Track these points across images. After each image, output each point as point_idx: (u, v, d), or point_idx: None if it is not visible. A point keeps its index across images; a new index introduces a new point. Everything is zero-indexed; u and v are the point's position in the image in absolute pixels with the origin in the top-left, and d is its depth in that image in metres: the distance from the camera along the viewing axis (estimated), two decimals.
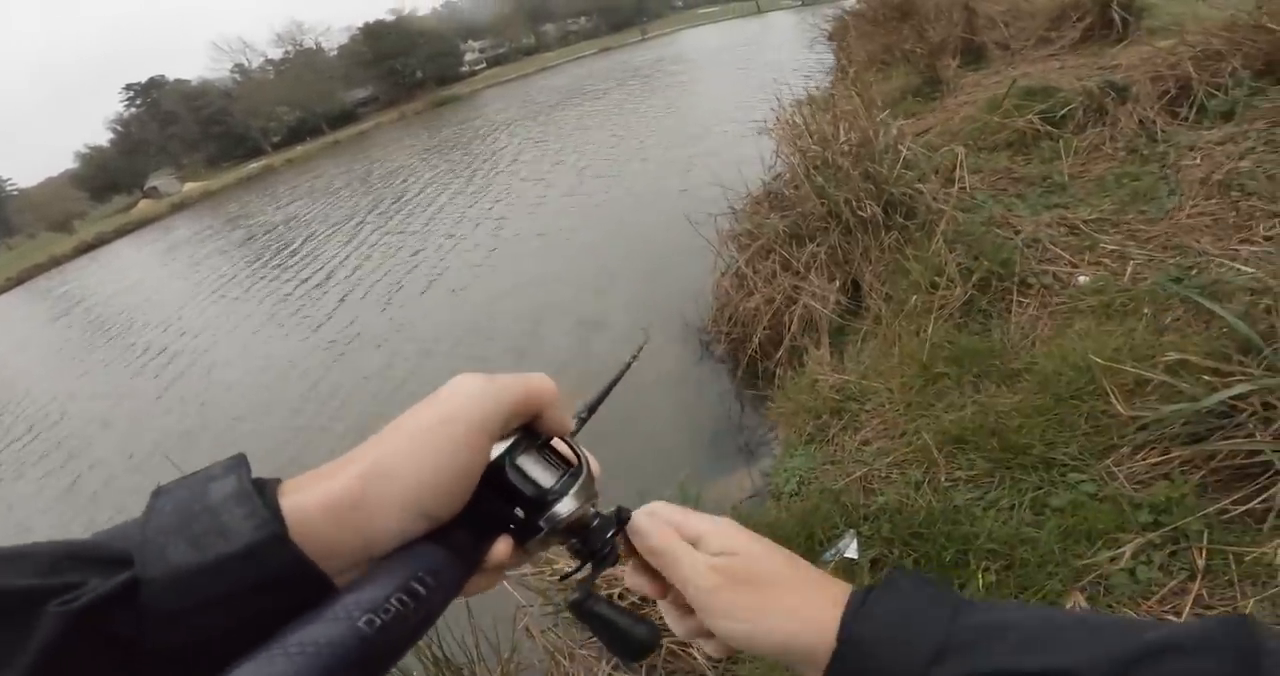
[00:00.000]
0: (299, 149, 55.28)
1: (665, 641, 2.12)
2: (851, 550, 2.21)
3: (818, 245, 3.99)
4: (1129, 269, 2.98)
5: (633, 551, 0.53)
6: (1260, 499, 1.76)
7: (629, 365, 0.59)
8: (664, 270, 6.39)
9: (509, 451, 0.43)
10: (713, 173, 5.70)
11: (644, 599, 0.55)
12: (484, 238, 10.20)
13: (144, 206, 52.18)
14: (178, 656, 0.33)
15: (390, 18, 77.79)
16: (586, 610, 0.47)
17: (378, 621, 0.34)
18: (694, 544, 0.52)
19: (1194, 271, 2.79)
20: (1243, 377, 1.90)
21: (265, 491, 0.36)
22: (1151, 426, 2.06)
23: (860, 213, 3.77)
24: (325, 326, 8.73)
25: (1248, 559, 1.67)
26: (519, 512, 0.44)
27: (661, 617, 0.55)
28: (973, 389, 2.67)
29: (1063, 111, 4.41)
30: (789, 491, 2.69)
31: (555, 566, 2.54)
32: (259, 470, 0.38)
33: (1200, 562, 1.71)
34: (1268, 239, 2.82)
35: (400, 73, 72.86)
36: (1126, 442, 2.10)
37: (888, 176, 3.79)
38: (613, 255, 7.71)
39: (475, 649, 2.27)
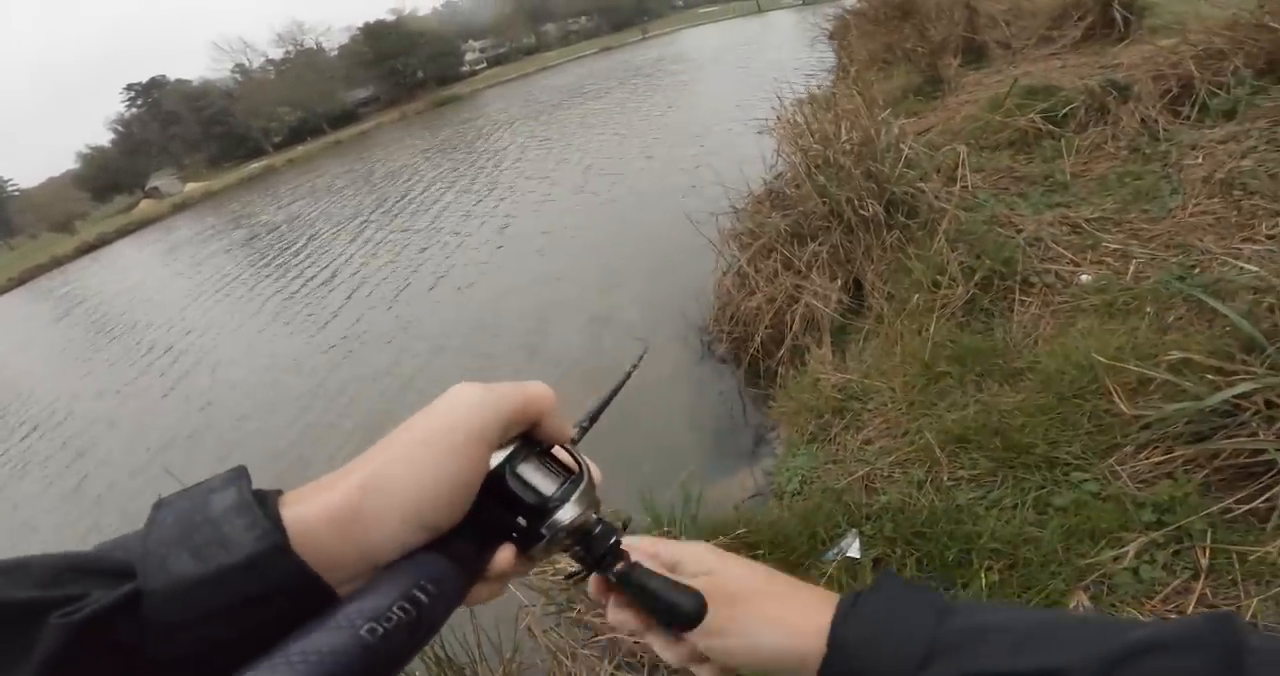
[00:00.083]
0: (300, 149, 55.33)
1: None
2: (854, 549, 2.20)
3: (819, 244, 3.98)
4: (1131, 268, 2.97)
5: (611, 588, 0.53)
6: (1264, 498, 1.75)
7: (629, 374, 0.59)
8: (667, 269, 6.39)
9: (509, 460, 0.43)
10: (714, 171, 5.70)
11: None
12: (489, 235, 10.21)
13: (145, 207, 52.25)
14: (180, 667, 0.33)
15: (391, 18, 77.98)
16: (631, 580, 0.47)
17: (380, 629, 0.34)
18: (672, 570, 0.52)
19: (1197, 270, 2.79)
20: (1246, 376, 1.90)
21: (266, 502, 0.37)
22: (1155, 425, 2.05)
23: (862, 211, 3.77)
24: (331, 324, 8.74)
25: (1251, 558, 1.67)
26: (521, 521, 0.44)
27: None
28: (975, 388, 2.67)
29: (1064, 110, 4.40)
30: (791, 490, 2.69)
31: (558, 566, 2.54)
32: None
33: (1204, 562, 1.71)
34: (1270, 237, 2.81)
35: (401, 73, 72.90)
36: (1130, 441, 2.09)
37: (889, 175, 3.79)
38: (617, 254, 7.71)
39: (477, 649, 2.27)
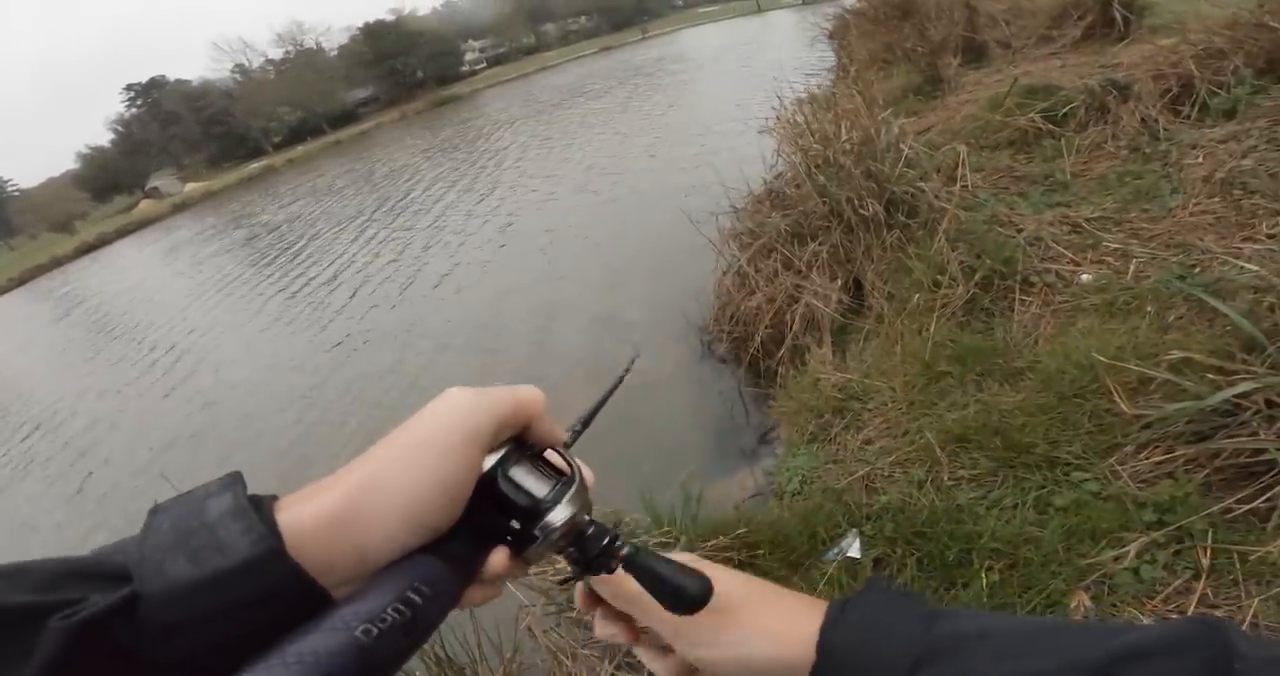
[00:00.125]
0: (300, 149, 55.29)
1: None
2: (854, 549, 2.20)
3: (819, 244, 3.98)
4: (1132, 267, 2.97)
5: (597, 601, 0.53)
6: (1264, 498, 1.75)
7: (620, 380, 0.59)
8: (668, 268, 6.40)
9: (500, 463, 0.44)
10: (715, 171, 5.69)
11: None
12: (492, 234, 10.22)
13: (145, 207, 52.23)
14: (177, 669, 0.33)
15: (390, 17, 77.94)
16: (638, 565, 0.47)
17: (375, 631, 0.34)
18: None
19: (1197, 269, 2.79)
20: (1247, 376, 1.89)
21: (262, 507, 0.37)
22: (1155, 425, 2.05)
23: (862, 211, 3.77)
24: (334, 323, 8.74)
25: (1252, 558, 1.66)
26: (514, 524, 0.44)
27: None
28: (975, 387, 2.67)
29: (1064, 110, 4.40)
30: (791, 490, 2.69)
31: (558, 566, 2.54)
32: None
33: (1205, 562, 1.71)
34: (1270, 237, 2.81)
35: (401, 72, 72.89)
36: (1130, 441, 2.09)
37: (889, 175, 3.79)
38: (619, 253, 7.72)
39: (478, 649, 2.27)
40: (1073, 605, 1.74)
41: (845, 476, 2.55)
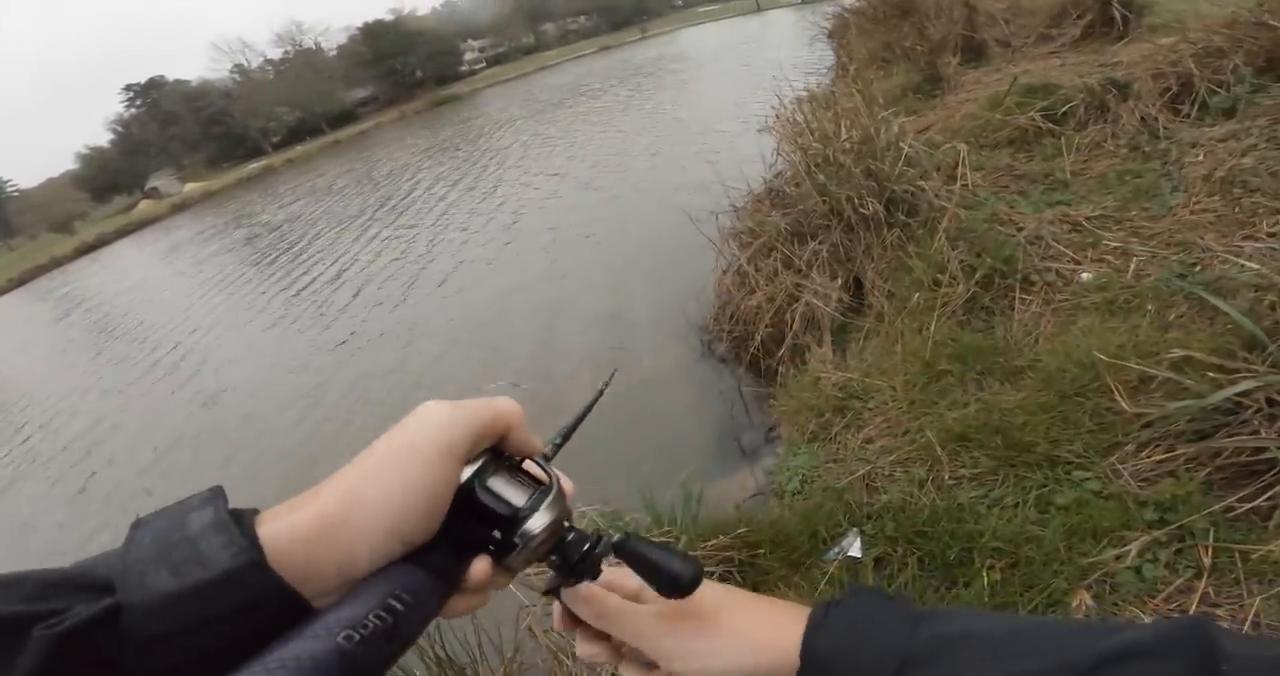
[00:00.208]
0: (299, 149, 55.29)
1: None
2: (855, 549, 2.20)
3: (819, 243, 3.98)
4: (1132, 266, 2.97)
5: (576, 622, 0.54)
6: (1266, 496, 1.75)
7: (599, 395, 0.59)
8: (669, 268, 6.40)
9: (478, 473, 0.45)
10: (715, 170, 5.69)
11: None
12: (496, 232, 10.23)
13: (145, 207, 52.24)
14: None
15: (389, 17, 77.97)
16: (628, 550, 0.48)
17: (356, 637, 0.35)
18: (635, 598, 0.53)
19: (1198, 268, 2.78)
20: (1248, 374, 1.89)
21: (243, 521, 0.38)
22: (1156, 423, 2.05)
23: (862, 210, 3.76)
24: (339, 322, 8.74)
25: (1254, 557, 1.66)
26: (496, 533, 0.45)
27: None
28: (976, 386, 2.67)
29: (1064, 109, 4.40)
30: (792, 490, 2.69)
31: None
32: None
33: (1206, 560, 1.71)
34: (1271, 235, 2.81)
35: (400, 72, 72.91)
36: (1131, 440, 2.09)
37: (889, 174, 3.78)
38: (620, 252, 7.73)
39: (478, 649, 2.27)
40: (1074, 604, 1.74)
41: (846, 475, 2.54)
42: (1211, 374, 1.96)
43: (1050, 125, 4.37)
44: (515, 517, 0.44)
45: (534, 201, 11.37)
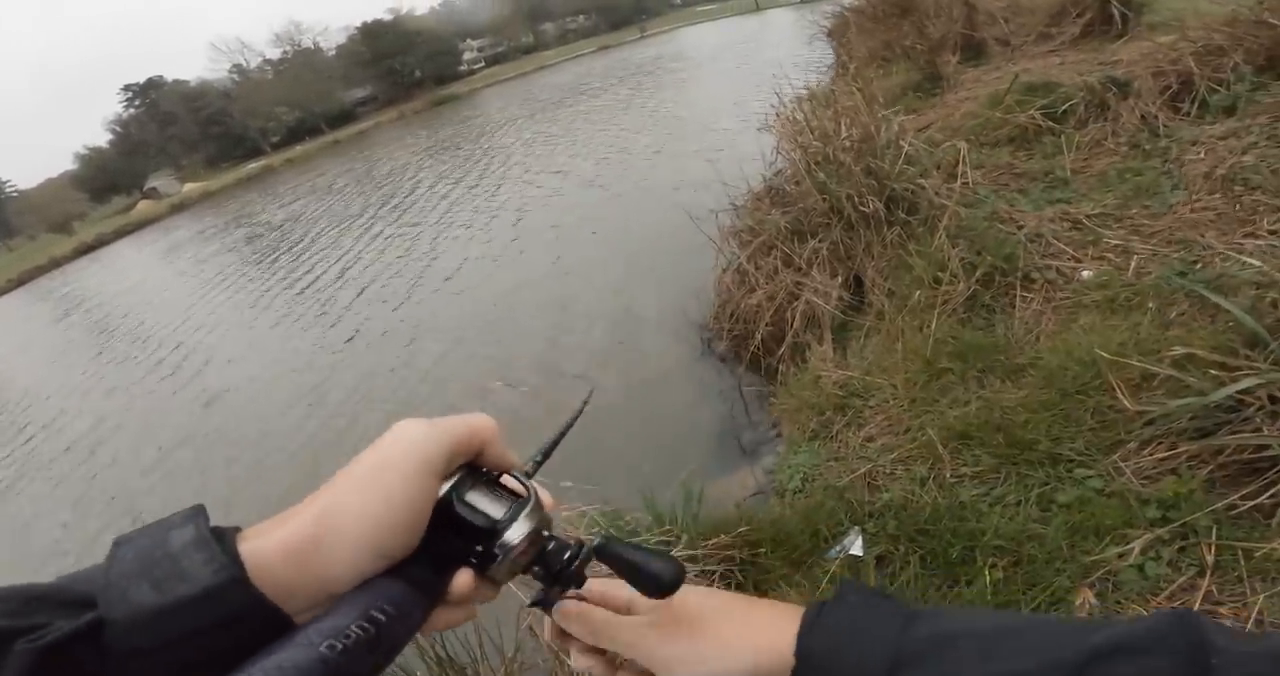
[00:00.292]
0: (298, 149, 55.27)
1: None
2: (856, 547, 2.20)
3: (819, 241, 3.97)
4: (1133, 263, 2.96)
5: (568, 634, 0.54)
6: (1269, 494, 1.75)
7: (578, 414, 0.61)
8: (669, 265, 6.40)
9: (455, 487, 0.46)
10: (714, 169, 5.69)
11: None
12: (500, 230, 10.24)
13: (143, 207, 52.21)
14: None
15: (388, 17, 77.83)
16: (609, 553, 0.49)
17: (339, 646, 0.36)
18: (627, 610, 0.53)
19: (1199, 265, 2.78)
20: (1250, 371, 1.89)
21: (224, 538, 0.39)
22: (1158, 421, 2.04)
23: (862, 208, 3.76)
24: (344, 320, 8.74)
25: (1257, 555, 1.66)
26: (478, 547, 0.46)
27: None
28: (977, 384, 2.66)
29: (1064, 107, 4.39)
30: (793, 488, 2.69)
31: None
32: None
33: (1209, 558, 1.70)
34: (1272, 232, 2.80)
35: (399, 72, 72.81)
36: (1133, 438, 2.09)
37: (889, 172, 3.78)
38: (622, 250, 7.73)
39: (479, 648, 2.26)
40: (1078, 602, 1.73)
41: (847, 474, 2.54)
42: (1213, 371, 1.96)
43: (1050, 123, 4.37)
44: (494, 529, 0.45)
45: (537, 199, 11.38)
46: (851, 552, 2.18)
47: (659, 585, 0.47)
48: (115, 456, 7.37)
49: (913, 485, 2.33)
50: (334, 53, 75.53)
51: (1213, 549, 1.72)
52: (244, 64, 72.65)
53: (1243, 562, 1.67)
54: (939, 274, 3.27)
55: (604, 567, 0.50)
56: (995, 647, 0.41)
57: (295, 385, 7.31)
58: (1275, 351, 1.91)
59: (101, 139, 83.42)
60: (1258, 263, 2.47)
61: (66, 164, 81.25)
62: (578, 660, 0.55)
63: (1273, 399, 1.82)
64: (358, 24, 75.30)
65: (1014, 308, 3.05)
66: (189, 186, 55.95)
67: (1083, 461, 2.11)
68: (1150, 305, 2.63)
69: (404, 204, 14.92)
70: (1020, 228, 3.45)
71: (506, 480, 0.50)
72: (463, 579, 0.45)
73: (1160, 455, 2.00)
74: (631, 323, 5.90)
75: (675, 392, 4.58)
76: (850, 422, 2.89)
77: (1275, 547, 1.64)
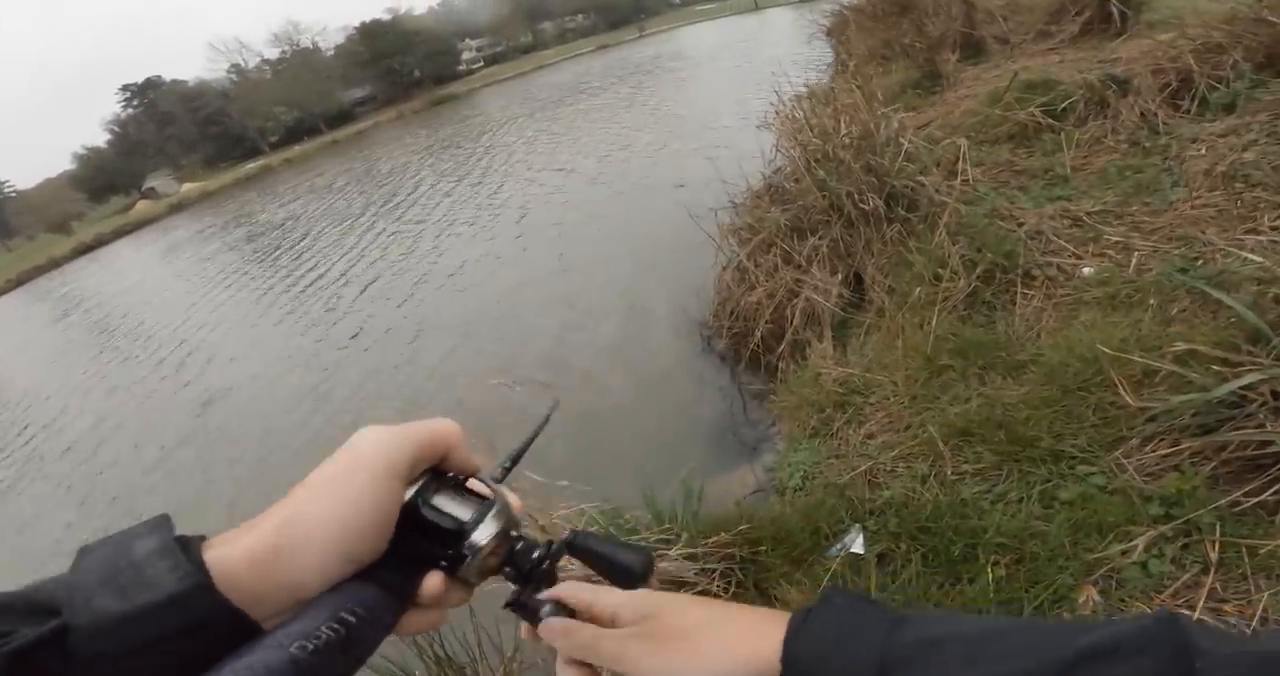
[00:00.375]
0: (297, 149, 55.26)
1: None
2: (858, 545, 2.19)
3: (819, 238, 3.97)
4: (1134, 260, 2.95)
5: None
6: (1272, 490, 1.74)
7: (544, 423, 0.62)
8: (669, 264, 6.41)
9: (420, 492, 0.46)
10: (714, 167, 5.68)
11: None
12: (504, 228, 10.25)
13: (142, 207, 52.19)
14: None
15: (387, 17, 77.77)
16: (579, 547, 0.50)
17: (310, 646, 0.36)
18: (611, 621, 0.53)
19: (1200, 262, 2.77)
20: (1252, 367, 1.88)
21: (189, 547, 0.39)
22: (1161, 417, 2.03)
23: (862, 205, 3.75)
24: (347, 318, 8.74)
25: (1262, 552, 1.65)
26: (447, 549, 0.46)
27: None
28: (978, 381, 2.65)
29: (1064, 104, 4.39)
30: (793, 486, 2.68)
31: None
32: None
33: (1213, 556, 1.69)
34: (1274, 229, 2.80)
35: (398, 72, 72.78)
36: (1135, 434, 2.08)
37: (889, 169, 3.77)
38: (624, 248, 7.73)
39: (478, 648, 2.26)
40: (1081, 600, 1.72)
41: (847, 471, 2.53)
42: (1215, 367, 1.95)
43: (1050, 121, 4.36)
44: (461, 531, 0.46)
45: (540, 197, 11.39)
46: (853, 550, 2.17)
47: (630, 575, 0.48)
48: (117, 456, 7.35)
49: (914, 482, 2.32)
50: (332, 53, 75.52)
51: (1216, 546, 1.71)
52: (242, 64, 72.70)
53: (1247, 560, 1.66)
54: (939, 271, 3.26)
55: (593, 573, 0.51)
56: (981, 651, 0.41)
57: (299, 383, 7.29)
58: (1277, 347, 1.90)
59: (100, 139, 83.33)
60: (1259, 258, 2.47)
61: (65, 164, 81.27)
62: (563, 670, 0.54)
63: (1275, 394, 1.81)
64: (356, 24, 75.44)
65: (1015, 304, 3.04)
66: (187, 186, 55.93)
67: (1085, 458, 2.10)
68: (1151, 301, 2.62)
69: (406, 202, 14.93)
70: (1020, 225, 3.44)
71: (473, 484, 0.50)
72: (432, 581, 0.45)
73: (1163, 451, 1.99)
74: (633, 321, 5.89)
75: (675, 390, 4.57)
76: (851, 420, 2.88)
77: (1279, 544, 1.63)
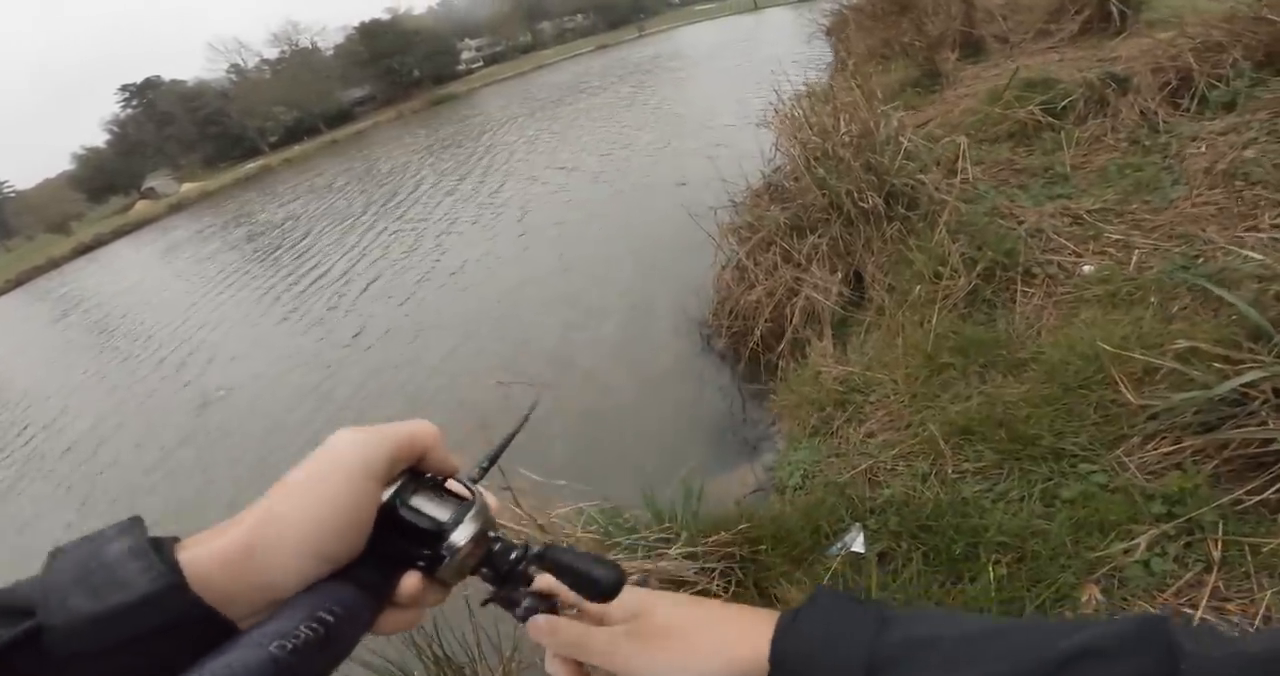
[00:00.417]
0: (296, 149, 55.24)
1: None
2: (858, 544, 2.18)
3: (819, 237, 3.96)
4: (1134, 258, 2.95)
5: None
6: (1275, 488, 1.73)
7: (524, 422, 0.62)
8: (669, 262, 6.40)
9: (398, 492, 0.46)
10: (714, 166, 5.68)
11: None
12: (505, 228, 10.24)
13: (141, 207, 52.17)
14: None
15: (386, 17, 77.78)
16: (550, 560, 0.50)
17: (289, 646, 0.36)
18: (600, 620, 0.53)
19: (1200, 260, 2.76)
20: (1254, 365, 1.87)
21: (162, 548, 0.39)
22: (1162, 415, 2.03)
23: (862, 204, 3.74)
24: (349, 317, 8.72)
25: (1264, 550, 1.64)
26: (425, 550, 0.46)
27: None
28: (979, 379, 2.65)
29: (1064, 103, 4.39)
30: (793, 485, 2.67)
31: None
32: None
33: (1216, 554, 1.68)
34: (1274, 226, 2.79)
35: (397, 72, 72.81)
36: (1137, 432, 2.07)
37: (889, 167, 3.76)
38: (624, 247, 7.72)
39: (477, 647, 2.25)
40: (1084, 599, 1.72)
41: (848, 470, 2.52)
42: (1217, 365, 1.94)
43: (1050, 119, 4.36)
44: (440, 532, 0.46)
45: (541, 196, 11.38)
46: (853, 549, 2.17)
47: (599, 589, 0.47)
48: (117, 456, 7.34)
49: (914, 481, 2.31)
50: (332, 52, 75.53)
51: (1219, 544, 1.70)
52: (242, 64, 72.73)
53: (1250, 558, 1.65)
54: (939, 269, 3.25)
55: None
56: (968, 652, 0.42)
57: (300, 381, 7.28)
58: (1279, 344, 1.89)
59: (99, 139, 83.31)
60: (1260, 256, 2.46)
61: (64, 164, 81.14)
62: (551, 665, 0.55)
63: (1277, 392, 1.80)
64: (356, 24, 75.44)
65: (1015, 302, 3.03)
66: (187, 186, 55.93)
67: (1086, 456, 2.10)
68: (1152, 299, 2.62)
69: (407, 201, 14.92)
70: (1020, 223, 3.43)
71: (452, 484, 0.50)
72: (410, 581, 0.45)
73: (1164, 449, 1.99)
74: (633, 321, 5.89)
75: (675, 389, 4.56)
76: (851, 418, 2.87)
77: None
